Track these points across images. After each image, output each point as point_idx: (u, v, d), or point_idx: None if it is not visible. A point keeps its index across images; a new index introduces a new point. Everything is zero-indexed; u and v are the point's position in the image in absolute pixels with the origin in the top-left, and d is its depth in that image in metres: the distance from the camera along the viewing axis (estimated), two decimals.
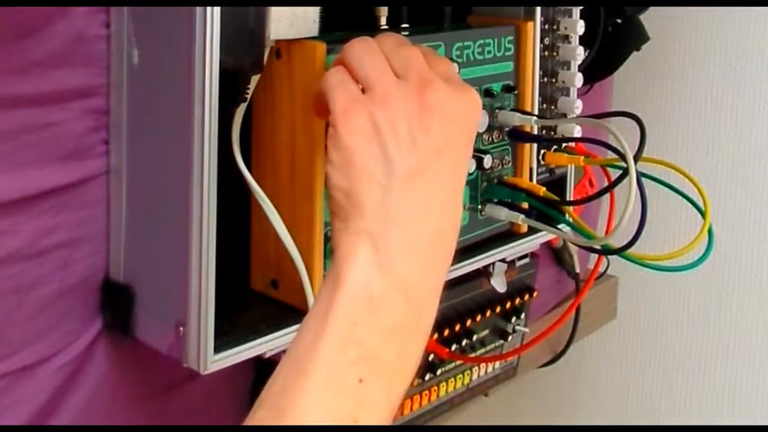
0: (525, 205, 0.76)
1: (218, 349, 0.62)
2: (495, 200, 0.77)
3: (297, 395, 0.49)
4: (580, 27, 0.81)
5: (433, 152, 0.54)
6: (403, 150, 0.53)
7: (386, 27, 0.73)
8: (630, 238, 0.65)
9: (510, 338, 0.95)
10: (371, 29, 0.72)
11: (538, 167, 0.80)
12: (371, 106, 0.54)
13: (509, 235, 0.80)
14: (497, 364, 0.97)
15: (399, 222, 0.52)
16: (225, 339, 0.63)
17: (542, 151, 0.80)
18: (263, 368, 0.75)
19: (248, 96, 0.63)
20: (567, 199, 0.84)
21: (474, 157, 0.72)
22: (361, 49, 0.57)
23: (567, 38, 0.82)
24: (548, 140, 0.80)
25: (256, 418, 0.50)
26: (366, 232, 0.52)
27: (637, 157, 0.64)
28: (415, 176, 0.53)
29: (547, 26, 0.80)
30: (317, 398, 0.49)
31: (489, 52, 0.76)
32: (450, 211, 0.55)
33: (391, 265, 0.52)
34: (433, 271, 0.54)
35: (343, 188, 0.53)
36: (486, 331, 0.92)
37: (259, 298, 0.69)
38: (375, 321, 0.51)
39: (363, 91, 0.55)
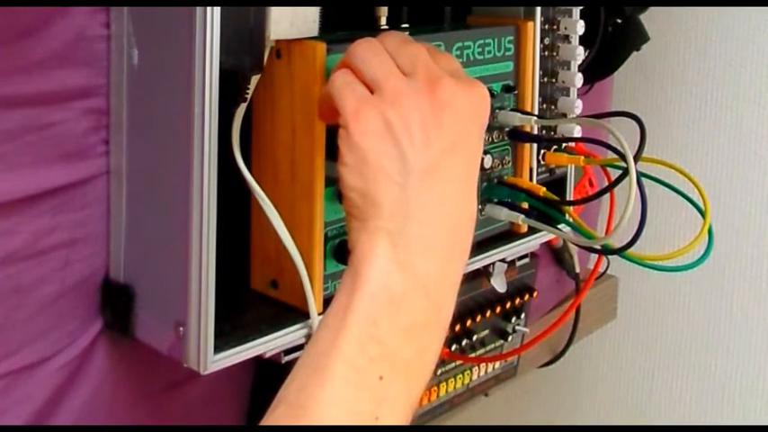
0: (525, 205, 0.76)
1: (218, 349, 0.62)
2: (495, 200, 0.77)
3: (317, 392, 0.50)
4: (580, 27, 0.81)
5: (447, 148, 0.54)
6: (417, 148, 0.53)
7: (386, 27, 0.73)
8: (630, 238, 0.65)
9: (510, 338, 0.95)
10: (371, 29, 0.72)
11: (538, 167, 0.80)
12: (382, 106, 0.54)
13: (509, 235, 0.80)
14: (497, 364, 0.97)
15: (417, 219, 0.53)
16: (225, 339, 0.63)
17: (542, 151, 0.80)
18: (263, 368, 0.75)
19: (248, 96, 0.63)
20: (567, 199, 0.84)
21: None
22: (366, 50, 0.57)
23: (567, 38, 0.82)
24: (548, 140, 0.80)
25: (276, 414, 0.50)
26: (384, 230, 0.52)
27: (637, 157, 0.64)
28: (431, 173, 0.53)
29: (547, 26, 0.80)
30: (337, 395, 0.50)
31: (489, 52, 0.76)
32: (466, 206, 0.56)
33: (410, 263, 0.52)
34: (451, 266, 0.54)
35: (359, 188, 0.53)
36: (486, 331, 0.92)
37: (259, 298, 0.69)
38: (395, 319, 0.52)
39: (371, 92, 0.55)
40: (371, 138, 0.53)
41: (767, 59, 1.18)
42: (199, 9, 0.58)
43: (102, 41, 0.62)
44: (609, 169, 0.74)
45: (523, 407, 1.41)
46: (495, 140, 0.77)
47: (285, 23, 0.62)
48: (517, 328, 0.95)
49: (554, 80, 0.82)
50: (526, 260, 0.91)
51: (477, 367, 0.94)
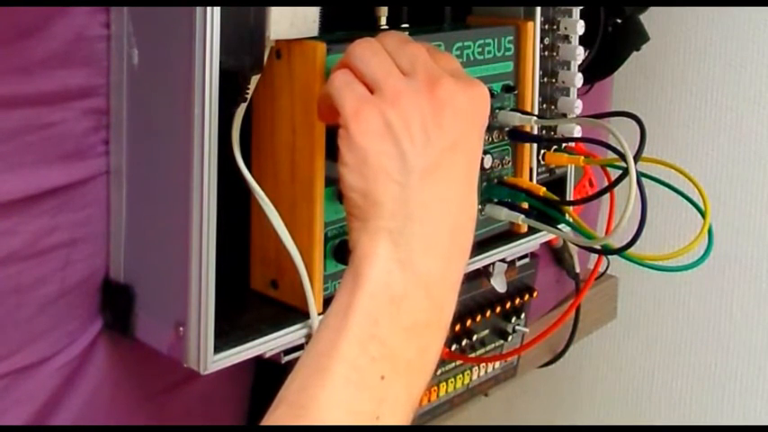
0: (525, 205, 0.76)
1: (218, 349, 0.62)
2: (495, 200, 0.77)
3: (318, 392, 0.50)
4: (580, 27, 0.81)
5: (448, 147, 0.54)
6: (418, 147, 0.53)
7: (386, 27, 0.73)
8: (630, 238, 0.65)
9: (510, 338, 0.95)
10: (371, 29, 0.72)
11: (538, 167, 0.80)
12: (382, 106, 0.54)
13: (509, 235, 0.80)
14: (497, 364, 0.97)
15: (418, 219, 0.53)
16: (225, 339, 0.63)
17: (542, 151, 0.80)
18: (263, 368, 0.75)
19: (248, 96, 0.63)
20: (567, 199, 0.84)
21: None
22: (365, 50, 0.57)
23: (567, 38, 0.82)
24: (548, 140, 0.80)
25: (277, 414, 0.50)
26: (385, 230, 0.52)
27: (637, 157, 0.64)
28: (432, 172, 0.53)
29: (547, 26, 0.80)
30: (338, 395, 0.50)
31: (489, 52, 0.76)
32: (467, 205, 0.56)
33: (411, 262, 0.52)
34: (452, 266, 0.54)
35: (360, 188, 0.53)
36: (486, 331, 0.92)
37: (259, 298, 0.69)
38: (396, 318, 0.52)
39: (371, 92, 0.55)
40: (371, 137, 0.53)
41: (767, 59, 1.18)
42: (199, 9, 0.58)
43: (102, 41, 0.62)
44: (609, 169, 0.74)
45: (523, 407, 1.41)
46: (495, 140, 0.77)
47: (285, 23, 0.62)
48: (517, 328, 0.95)
49: (554, 80, 0.82)
50: (526, 260, 0.91)
51: (477, 367, 0.94)
